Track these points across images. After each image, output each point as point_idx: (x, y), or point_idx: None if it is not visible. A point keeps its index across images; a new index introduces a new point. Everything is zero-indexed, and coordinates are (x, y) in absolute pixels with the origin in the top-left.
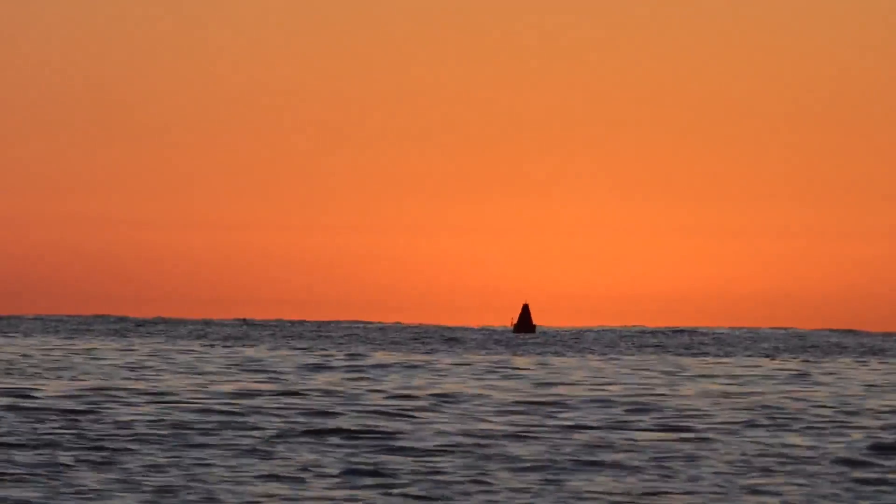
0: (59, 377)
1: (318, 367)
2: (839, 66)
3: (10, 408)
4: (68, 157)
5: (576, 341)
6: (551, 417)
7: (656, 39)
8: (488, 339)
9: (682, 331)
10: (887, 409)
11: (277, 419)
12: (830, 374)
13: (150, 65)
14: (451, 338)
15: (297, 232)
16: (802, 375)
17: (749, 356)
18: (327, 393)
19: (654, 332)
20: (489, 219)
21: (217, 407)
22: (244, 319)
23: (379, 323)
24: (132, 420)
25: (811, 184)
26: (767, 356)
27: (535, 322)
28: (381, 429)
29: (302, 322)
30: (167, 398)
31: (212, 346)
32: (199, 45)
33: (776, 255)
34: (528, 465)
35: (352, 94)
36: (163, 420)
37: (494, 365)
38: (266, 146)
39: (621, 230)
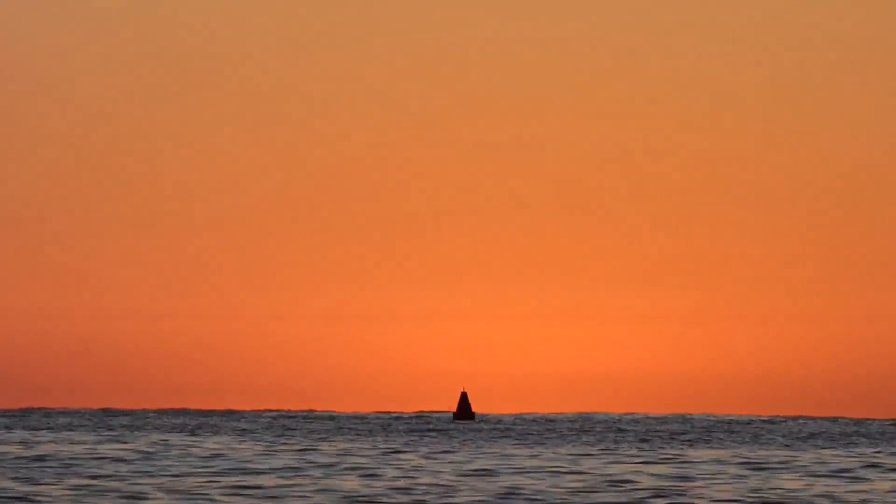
0: None
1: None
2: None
3: None
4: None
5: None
6: None
7: (626, 107)
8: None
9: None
10: None
11: None
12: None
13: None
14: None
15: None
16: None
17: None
18: None
19: (602, 420)
20: (427, 304)
21: None
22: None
23: (307, 411)
24: None
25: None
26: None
27: (474, 409)
28: None
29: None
30: None
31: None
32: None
33: (706, 339)
34: None
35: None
36: None
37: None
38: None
39: (560, 315)
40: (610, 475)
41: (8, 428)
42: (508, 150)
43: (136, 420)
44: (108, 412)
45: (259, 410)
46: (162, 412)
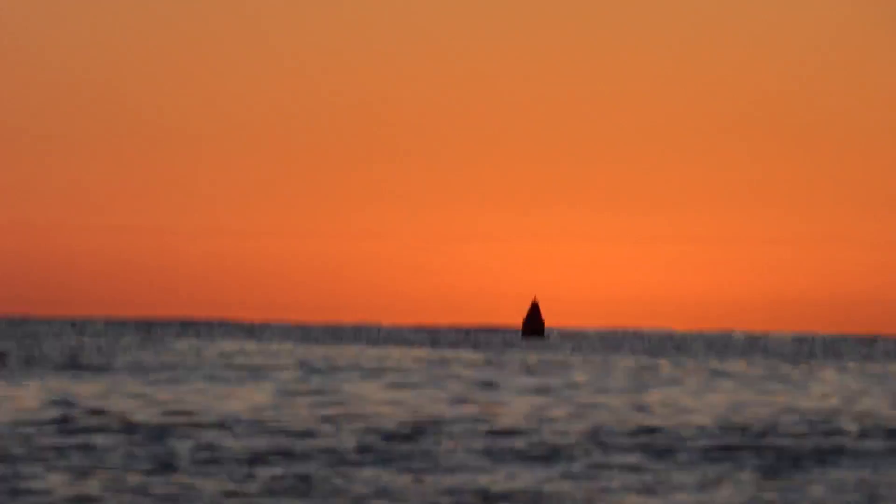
0: None
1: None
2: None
3: None
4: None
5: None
6: None
7: (644, 44)
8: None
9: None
10: None
11: None
12: None
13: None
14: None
15: (317, 238)
16: None
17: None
18: None
19: (675, 336)
20: (494, 226)
21: None
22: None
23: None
24: None
25: (803, 190)
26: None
27: (546, 322)
28: None
29: (309, 326)
30: None
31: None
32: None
33: (770, 261)
34: None
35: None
36: None
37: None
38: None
39: (628, 237)
40: None
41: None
42: (578, 87)
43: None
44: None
45: (372, 323)
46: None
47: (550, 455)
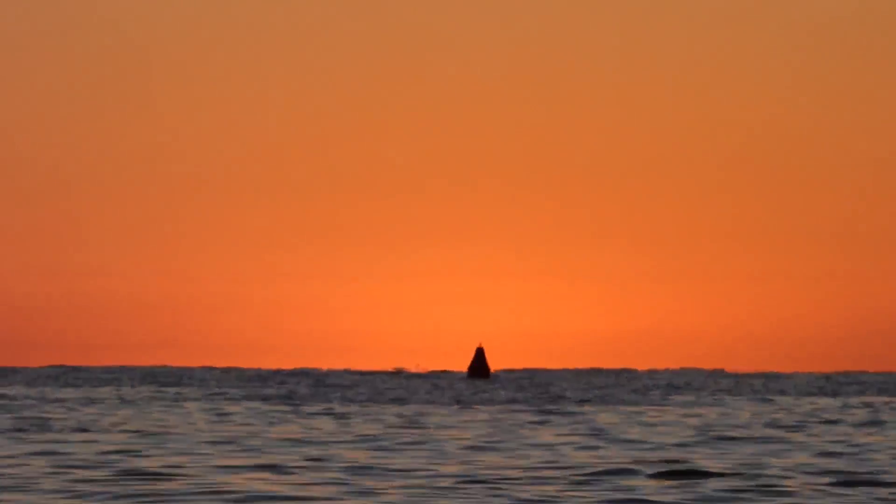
0: None
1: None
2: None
3: None
4: None
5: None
6: None
7: (617, 78)
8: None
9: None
10: None
11: None
12: None
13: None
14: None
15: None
16: None
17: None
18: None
19: (609, 373)
20: (437, 264)
21: None
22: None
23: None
24: None
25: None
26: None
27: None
28: None
29: (263, 370)
30: None
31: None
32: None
33: (734, 297)
34: None
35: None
36: None
37: None
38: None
39: (577, 273)
40: None
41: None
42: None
43: None
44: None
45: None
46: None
47: None
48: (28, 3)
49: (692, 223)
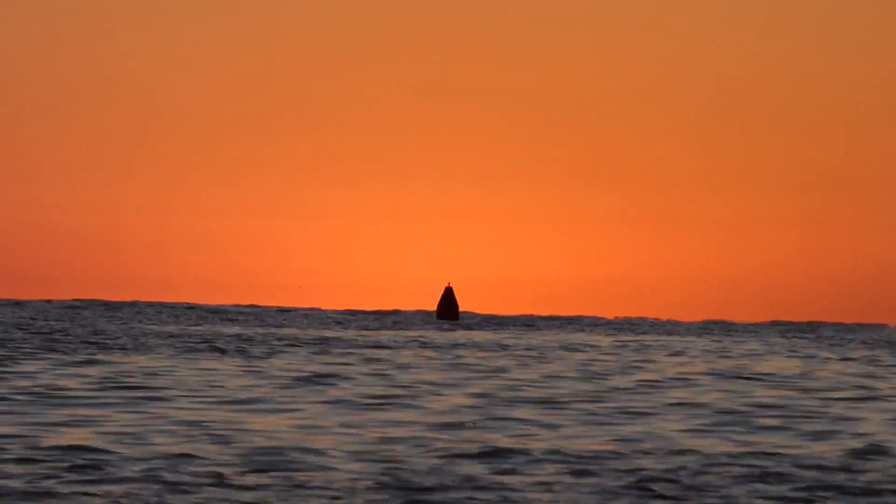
0: None
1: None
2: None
3: None
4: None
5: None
6: None
7: (610, 23)
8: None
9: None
10: None
11: None
12: None
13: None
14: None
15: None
16: None
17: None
18: None
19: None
20: (410, 204)
21: None
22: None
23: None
24: None
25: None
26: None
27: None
28: None
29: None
30: None
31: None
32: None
33: (693, 243)
34: None
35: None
36: None
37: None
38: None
39: (551, 217)
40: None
41: None
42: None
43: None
44: None
45: (268, 305)
46: None
47: None
48: None
49: (675, 166)
